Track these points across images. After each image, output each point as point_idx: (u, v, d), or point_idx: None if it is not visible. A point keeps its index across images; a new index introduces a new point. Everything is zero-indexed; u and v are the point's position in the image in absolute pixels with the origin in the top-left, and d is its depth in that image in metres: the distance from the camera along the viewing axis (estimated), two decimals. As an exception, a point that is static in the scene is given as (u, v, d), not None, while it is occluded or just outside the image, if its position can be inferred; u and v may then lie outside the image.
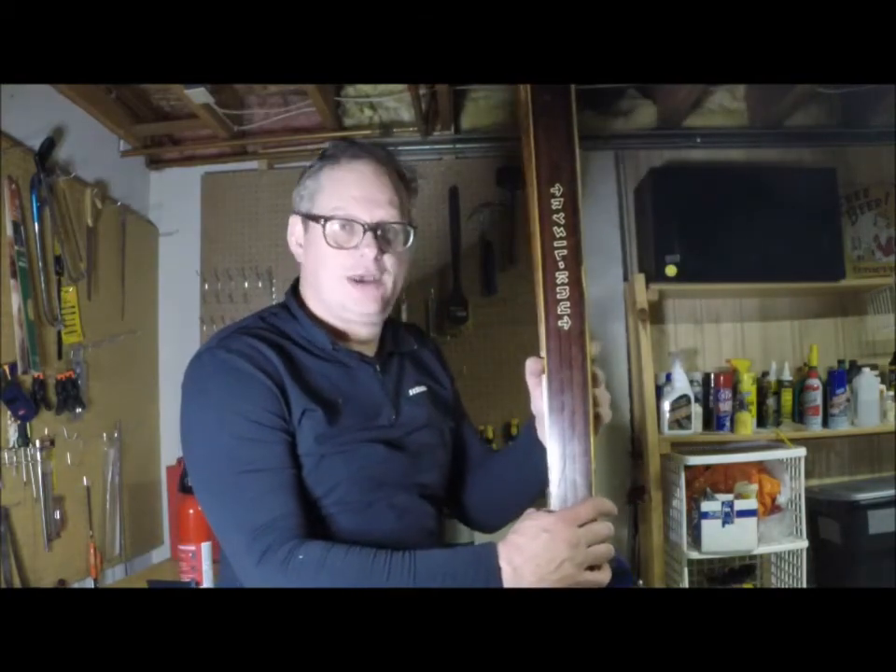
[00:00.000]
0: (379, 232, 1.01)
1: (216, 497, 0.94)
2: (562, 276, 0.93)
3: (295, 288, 1.11)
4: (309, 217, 1.05)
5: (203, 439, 0.96)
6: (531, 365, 0.92)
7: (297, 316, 1.06)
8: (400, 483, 1.02)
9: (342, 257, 1.01)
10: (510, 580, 0.83)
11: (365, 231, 1.01)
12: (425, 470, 1.06)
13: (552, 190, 0.95)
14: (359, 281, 1.01)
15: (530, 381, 0.93)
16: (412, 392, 1.10)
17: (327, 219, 1.01)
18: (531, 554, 0.83)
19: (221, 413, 0.94)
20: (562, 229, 0.95)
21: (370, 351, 1.08)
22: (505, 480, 1.12)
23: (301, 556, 0.85)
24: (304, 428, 0.95)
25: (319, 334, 1.03)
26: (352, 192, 1.02)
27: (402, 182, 1.07)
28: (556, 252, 0.94)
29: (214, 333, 1.04)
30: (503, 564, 0.84)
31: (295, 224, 1.09)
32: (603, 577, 0.86)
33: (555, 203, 0.95)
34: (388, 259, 1.03)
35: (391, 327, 1.14)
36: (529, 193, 0.97)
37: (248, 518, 0.89)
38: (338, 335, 1.05)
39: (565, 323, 0.92)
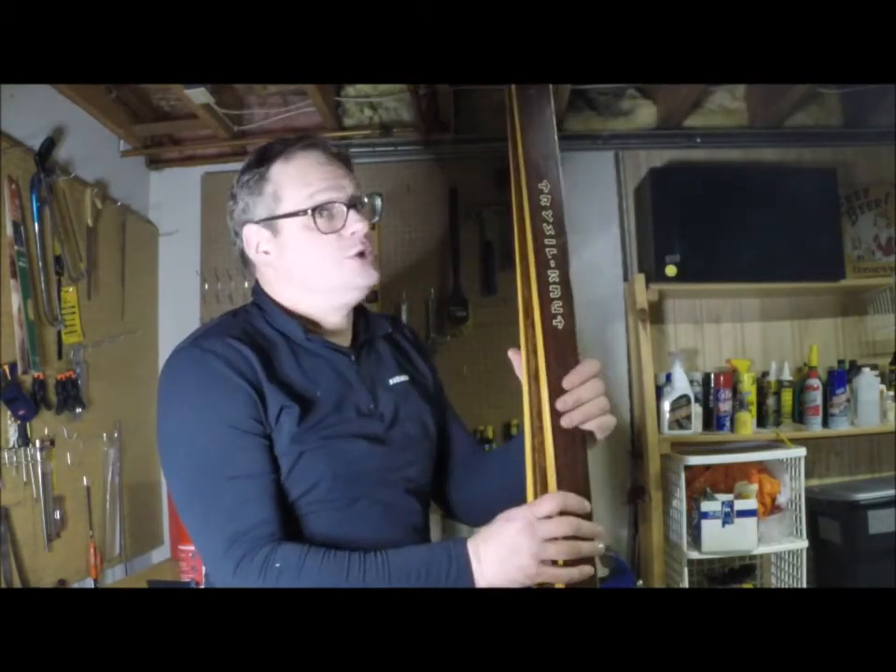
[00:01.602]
0: (359, 208, 1.04)
1: (192, 504, 0.93)
2: (553, 275, 0.92)
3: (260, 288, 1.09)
4: (283, 217, 1.02)
5: (180, 443, 0.95)
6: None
7: (267, 310, 1.05)
8: (384, 479, 1.00)
9: (334, 241, 1.01)
10: (476, 571, 0.85)
11: (348, 211, 1.02)
12: (409, 464, 1.05)
13: (539, 186, 0.94)
14: (360, 255, 1.02)
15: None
16: (391, 381, 1.08)
17: (315, 209, 1.00)
18: (493, 543, 0.85)
19: (199, 417, 0.93)
20: (551, 227, 0.94)
21: (344, 341, 1.07)
22: (497, 480, 1.10)
23: (277, 564, 0.85)
24: (283, 426, 0.94)
25: (292, 325, 1.02)
26: (320, 178, 1.02)
27: (346, 161, 1.09)
28: (547, 250, 0.93)
29: (190, 333, 1.02)
30: (471, 555, 0.85)
31: (257, 233, 1.04)
32: (565, 574, 0.84)
33: (544, 200, 0.94)
34: (369, 232, 1.05)
35: (362, 315, 1.13)
36: (514, 193, 0.97)
37: (225, 526, 0.89)
38: (310, 328, 1.04)
39: (559, 322, 0.91)
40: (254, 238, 1.05)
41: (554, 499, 0.85)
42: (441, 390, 1.21)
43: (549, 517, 0.84)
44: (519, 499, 0.97)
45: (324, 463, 0.95)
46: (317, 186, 1.01)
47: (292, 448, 0.94)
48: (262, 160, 1.04)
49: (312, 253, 1.02)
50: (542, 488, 0.88)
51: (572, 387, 0.90)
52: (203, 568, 1.64)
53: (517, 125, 0.99)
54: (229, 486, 0.90)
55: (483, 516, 1.16)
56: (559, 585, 0.84)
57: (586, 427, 0.90)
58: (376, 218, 1.08)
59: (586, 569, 0.84)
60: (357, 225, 1.02)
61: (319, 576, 0.85)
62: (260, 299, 1.07)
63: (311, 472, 0.95)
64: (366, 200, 1.06)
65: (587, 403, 0.90)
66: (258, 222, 1.04)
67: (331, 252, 1.02)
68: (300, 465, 0.95)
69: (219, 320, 1.05)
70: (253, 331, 1.01)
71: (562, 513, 0.85)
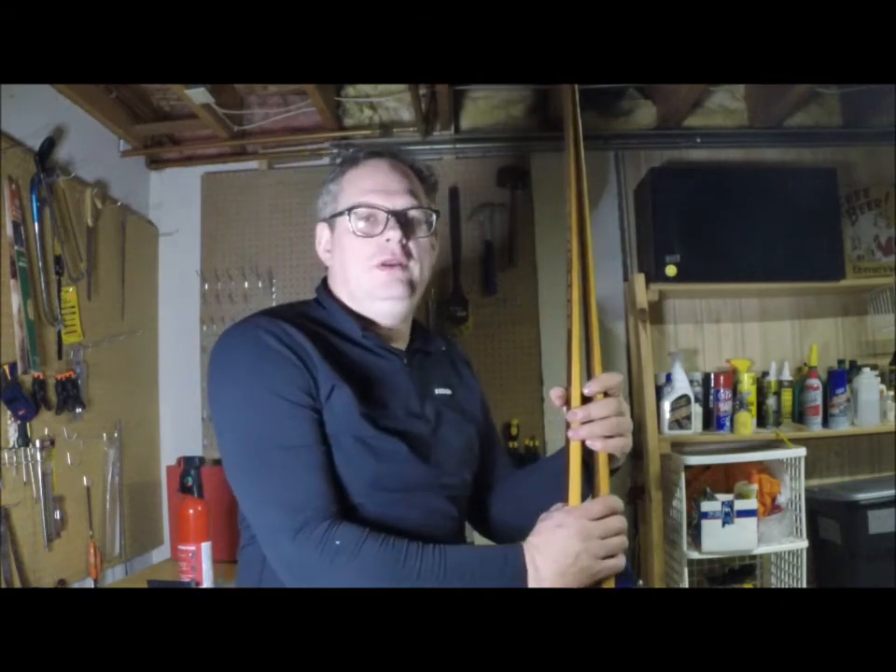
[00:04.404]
0: (401, 219, 1.04)
1: (246, 473, 0.94)
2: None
3: (325, 284, 1.13)
4: (335, 216, 1.07)
5: (232, 415, 0.96)
6: (559, 393, 0.95)
7: (326, 306, 1.08)
8: (426, 482, 1.01)
9: (368, 246, 1.03)
10: (533, 580, 0.85)
11: (388, 218, 1.03)
12: (450, 471, 1.05)
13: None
14: (386, 265, 1.03)
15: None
16: (437, 391, 1.10)
17: (351, 210, 1.04)
18: (549, 552, 0.86)
19: (250, 388, 0.94)
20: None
21: (398, 346, 1.09)
22: (537, 497, 1.07)
23: (337, 542, 0.86)
24: (334, 405, 0.95)
25: (349, 322, 1.05)
26: (370, 185, 1.05)
27: (419, 176, 1.11)
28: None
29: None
30: (528, 563, 0.86)
31: (322, 231, 1.12)
32: (619, 562, 0.89)
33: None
34: (413, 245, 1.05)
35: (420, 329, 1.16)
36: (575, 188, 0.99)
37: (282, 494, 0.89)
38: (367, 327, 1.06)
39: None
40: (319, 236, 1.12)
41: (607, 502, 0.90)
42: (488, 412, 1.24)
43: (601, 518, 0.88)
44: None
45: (370, 463, 0.96)
46: (365, 194, 1.04)
47: (342, 430, 0.95)
48: (343, 163, 1.11)
49: (349, 255, 1.05)
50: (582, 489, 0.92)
51: (591, 394, 0.93)
52: (204, 566, 1.64)
53: (578, 121, 1.02)
54: (282, 455, 0.91)
55: (517, 535, 1.17)
56: (609, 583, 0.88)
57: (592, 445, 0.92)
58: (425, 235, 1.07)
59: (623, 557, 0.90)
60: (391, 233, 1.02)
61: (376, 560, 0.85)
62: (322, 296, 1.10)
63: (357, 470, 0.95)
64: (416, 213, 1.06)
65: (596, 422, 0.92)
66: (323, 220, 1.11)
67: (363, 258, 1.04)
68: (348, 458, 0.95)
69: (274, 307, 1.08)
70: (308, 321, 1.03)
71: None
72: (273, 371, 0.94)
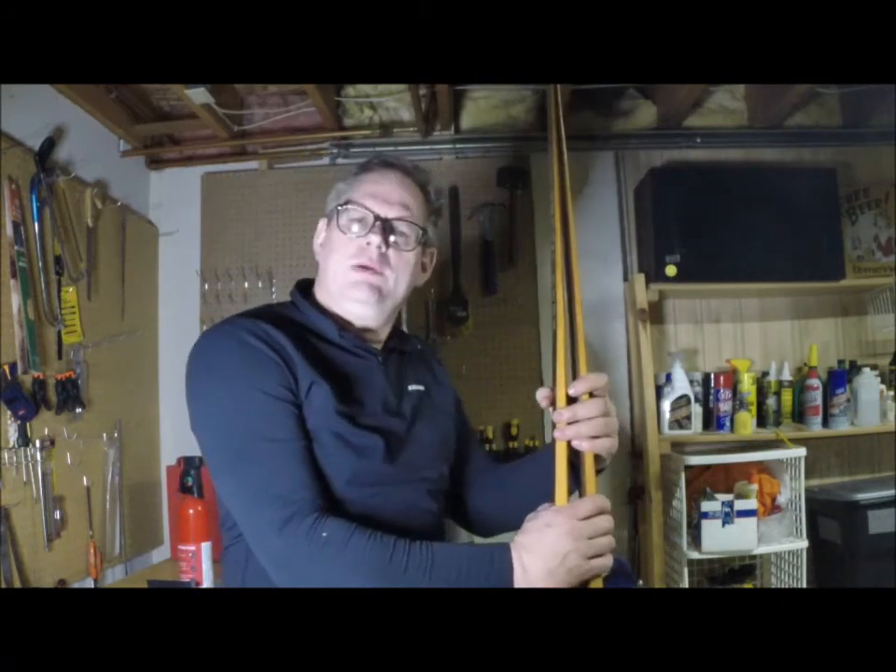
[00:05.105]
0: (387, 227, 1.06)
1: (232, 468, 0.94)
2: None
3: (300, 285, 1.15)
4: (331, 212, 1.10)
5: (214, 412, 0.97)
6: (545, 394, 0.96)
7: (302, 308, 1.09)
8: (404, 479, 1.02)
9: (350, 246, 1.06)
10: (520, 579, 0.85)
11: (374, 222, 1.05)
12: (428, 466, 1.07)
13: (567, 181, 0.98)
14: (361, 268, 1.05)
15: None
16: (410, 388, 1.11)
17: (341, 206, 1.07)
18: (538, 551, 0.86)
19: (231, 384, 0.95)
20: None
21: (375, 345, 1.11)
22: (522, 492, 1.11)
23: (324, 534, 0.86)
24: (313, 402, 0.96)
25: (325, 322, 1.06)
26: (370, 190, 1.08)
27: (424, 196, 1.12)
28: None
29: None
30: (515, 563, 0.86)
31: (322, 226, 1.15)
32: (607, 562, 0.89)
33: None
34: (393, 255, 1.06)
35: (397, 331, 1.17)
36: (559, 189, 0.99)
37: (268, 487, 0.90)
38: (344, 326, 1.07)
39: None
40: (319, 230, 1.16)
41: (595, 502, 0.90)
42: (461, 406, 1.25)
43: (589, 517, 0.88)
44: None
45: (348, 454, 0.97)
46: (362, 197, 1.07)
47: (321, 426, 0.96)
48: (359, 166, 1.15)
49: (333, 251, 1.07)
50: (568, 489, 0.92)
51: (577, 394, 0.93)
52: (204, 566, 1.63)
53: (560, 120, 1.02)
54: (267, 449, 0.92)
55: (501, 525, 1.18)
56: (597, 583, 0.88)
57: (578, 446, 0.92)
58: (408, 248, 1.08)
59: (610, 557, 0.89)
60: (372, 237, 1.04)
61: (364, 554, 0.86)
62: (296, 298, 1.12)
63: (335, 462, 0.96)
64: (404, 226, 1.07)
65: (582, 422, 0.92)
66: (325, 216, 1.14)
67: (344, 256, 1.06)
68: (325, 451, 0.96)
69: (252, 309, 1.09)
70: (286, 321, 1.04)
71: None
72: (255, 368, 0.95)
